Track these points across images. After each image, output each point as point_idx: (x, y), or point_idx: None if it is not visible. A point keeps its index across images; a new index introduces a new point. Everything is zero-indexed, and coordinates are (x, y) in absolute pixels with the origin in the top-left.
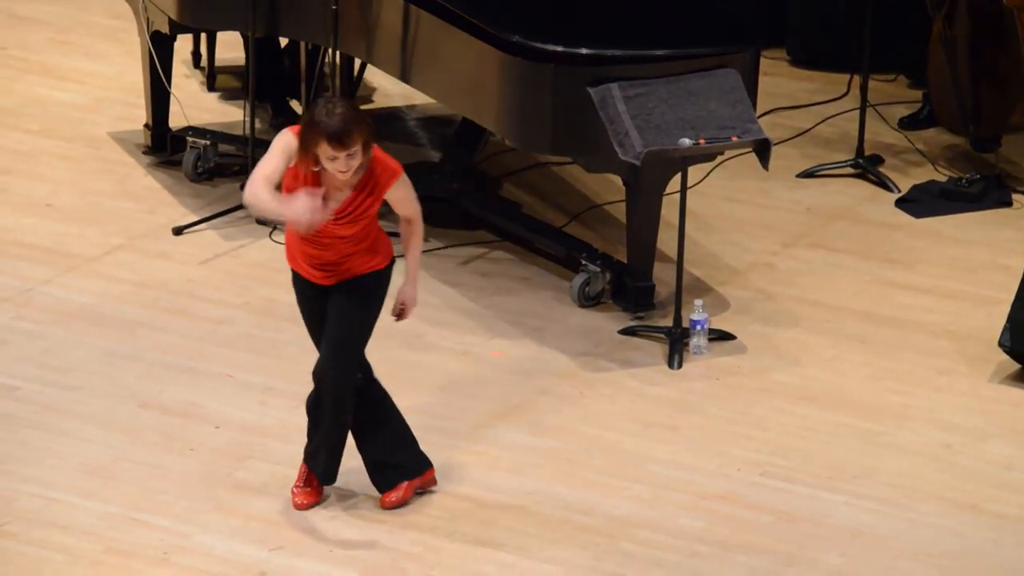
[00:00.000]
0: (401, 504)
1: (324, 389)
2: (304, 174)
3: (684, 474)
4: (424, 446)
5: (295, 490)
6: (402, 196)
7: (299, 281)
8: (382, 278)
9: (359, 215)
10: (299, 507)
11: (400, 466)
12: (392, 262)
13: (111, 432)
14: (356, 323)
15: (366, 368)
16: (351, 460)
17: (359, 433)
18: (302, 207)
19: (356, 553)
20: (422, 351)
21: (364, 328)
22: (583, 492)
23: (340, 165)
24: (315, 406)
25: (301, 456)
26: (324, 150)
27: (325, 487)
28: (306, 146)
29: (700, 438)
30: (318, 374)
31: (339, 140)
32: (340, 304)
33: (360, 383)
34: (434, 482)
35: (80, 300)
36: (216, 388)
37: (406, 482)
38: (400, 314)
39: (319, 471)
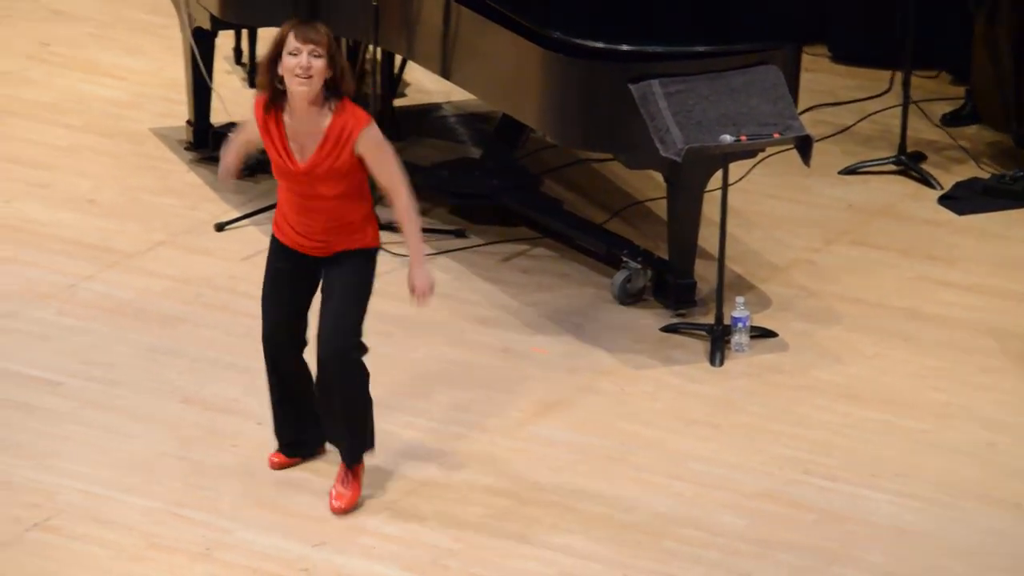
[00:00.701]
0: (350, 508)
1: (329, 365)
2: (272, 126)
3: (726, 472)
4: (465, 442)
5: (334, 493)
6: (374, 152)
7: (275, 246)
8: (372, 256)
9: (333, 168)
10: (337, 511)
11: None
12: (377, 249)
13: (153, 427)
14: (353, 294)
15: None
16: (400, 457)
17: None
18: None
19: (398, 549)
20: (464, 348)
21: (361, 299)
22: (625, 489)
23: (301, 60)
24: (280, 378)
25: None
26: (289, 43)
27: (363, 490)
28: (273, 50)
29: (742, 436)
30: (320, 353)
31: (304, 31)
32: (335, 278)
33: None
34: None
35: (122, 296)
36: (258, 384)
37: (353, 484)
38: (418, 297)
39: (347, 449)
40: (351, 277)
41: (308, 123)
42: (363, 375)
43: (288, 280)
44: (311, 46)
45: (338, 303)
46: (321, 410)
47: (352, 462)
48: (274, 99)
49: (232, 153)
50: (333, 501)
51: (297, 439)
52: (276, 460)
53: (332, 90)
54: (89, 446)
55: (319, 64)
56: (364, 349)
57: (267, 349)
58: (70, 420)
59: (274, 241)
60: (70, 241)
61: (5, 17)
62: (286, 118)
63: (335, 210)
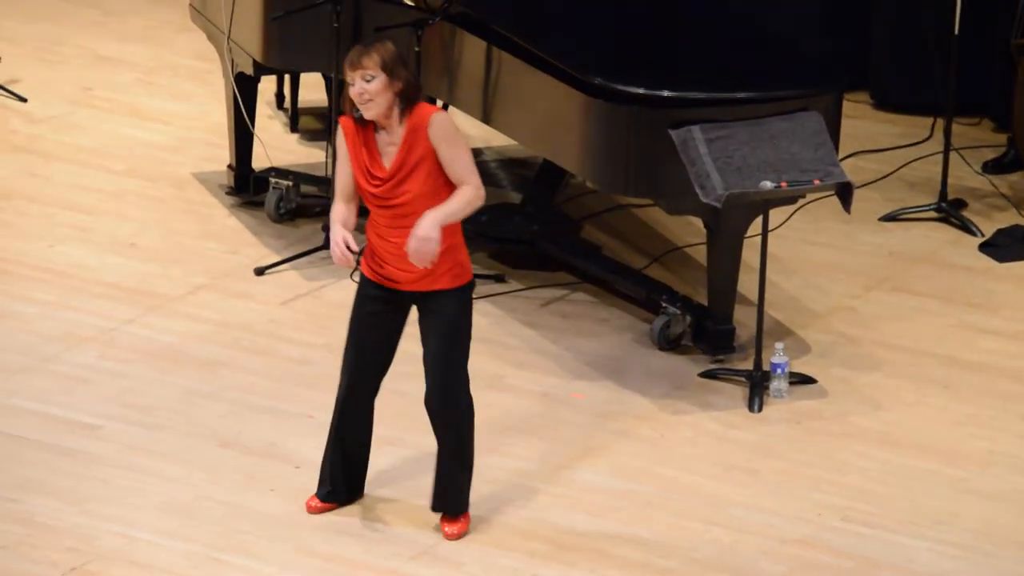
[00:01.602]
0: (460, 536)
1: (439, 417)
2: (363, 140)
3: (764, 518)
4: (503, 487)
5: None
6: (443, 139)
7: (364, 287)
8: (467, 292)
9: (414, 165)
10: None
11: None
12: (472, 282)
13: (192, 471)
14: (453, 340)
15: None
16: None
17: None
18: (333, 242)
19: None
20: (502, 392)
21: (463, 342)
22: (662, 535)
23: (356, 89)
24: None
25: (380, 495)
26: (346, 75)
27: (401, 533)
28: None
29: (781, 482)
30: (429, 405)
31: (351, 60)
32: (433, 325)
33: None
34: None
35: (163, 339)
36: (297, 428)
37: (463, 519)
38: (412, 243)
39: (454, 498)
40: (449, 321)
41: (393, 134)
42: (470, 422)
43: (376, 324)
44: (360, 71)
45: (440, 354)
46: (438, 461)
47: (458, 511)
48: (361, 120)
49: (339, 234)
50: (445, 528)
51: (340, 487)
52: (315, 505)
53: (405, 100)
54: (128, 490)
55: (374, 86)
56: (469, 396)
57: (343, 396)
58: (109, 463)
59: (363, 281)
60: (112, 285)
61: (51, 62)
62: (377, 135)
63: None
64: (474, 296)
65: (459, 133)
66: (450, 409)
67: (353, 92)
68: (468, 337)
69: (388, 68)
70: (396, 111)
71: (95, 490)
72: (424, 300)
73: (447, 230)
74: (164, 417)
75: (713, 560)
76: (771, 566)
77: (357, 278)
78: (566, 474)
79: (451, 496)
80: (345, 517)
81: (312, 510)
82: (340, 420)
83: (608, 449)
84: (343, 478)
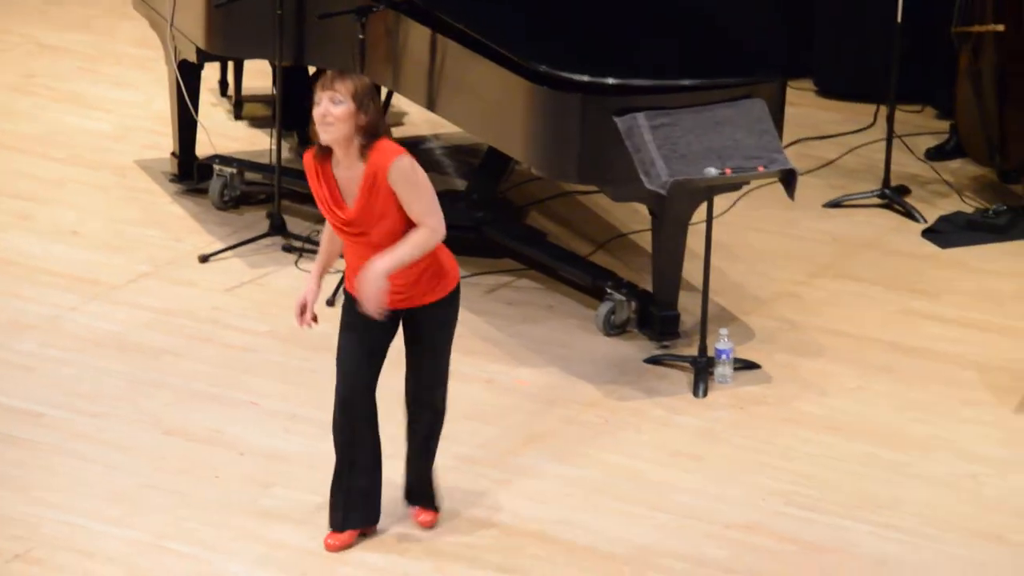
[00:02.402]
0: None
1: (423, 417)
2: (323, 177)
3: (709, 503)
4: (449, 474)
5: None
6: (401, 184)
7: (349, 303)
8: (452, 303)
9: (377, 210)
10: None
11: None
12: (458, 285)
13: (136, 459)
14: (440, 349)
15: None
16: (383, 487)
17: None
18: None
19: None
20: (448, 379)
21: (448, 350)
22: (608, 520)
23: (321, 109)
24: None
25: (326, 482)
26: (315, 95)
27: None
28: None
29: (725, 467)
30: (412, 405)
31: (323, 81)
32: (419, 334)
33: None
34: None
35: (106, 327)
36: (241, 415)
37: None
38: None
39: (434, 493)
40: (436, 330)
41: (351, 169)
42: (442, 424)
43: (365, 338)
44: (330, 92)
45: (428, 363)
46: (410, 463)
47: (434, 502)
48: (321, 151)
49: (302, 297)
50: (421, 516)
51: (355, 514)
52: (335, 543)
53: (367, 135)
54: (72, 477)
55: (339, 110)
56: (446, 397)
57: (343, 414)
58: (53, 451)
59: (347, 297)
60: (55, 273)
61: None
62: (334, 168)
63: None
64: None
65: (419, 175)
66: (433, 410)
67: (317, 112)
68: (452, 337)
69: (358, 99)
70: (356, 143)
71: (39, 478)
72: (408, 313)
73: (422, 256)
74: (108, 405)
75: (658, 545)
76: (716, 551)
77: (303, 266)
78: (511, 460)
79: (427, 489)
80: (288, 504)
81: (333, 548)
82: (346, 442)
83: (553, 435)
84: (359, 504)
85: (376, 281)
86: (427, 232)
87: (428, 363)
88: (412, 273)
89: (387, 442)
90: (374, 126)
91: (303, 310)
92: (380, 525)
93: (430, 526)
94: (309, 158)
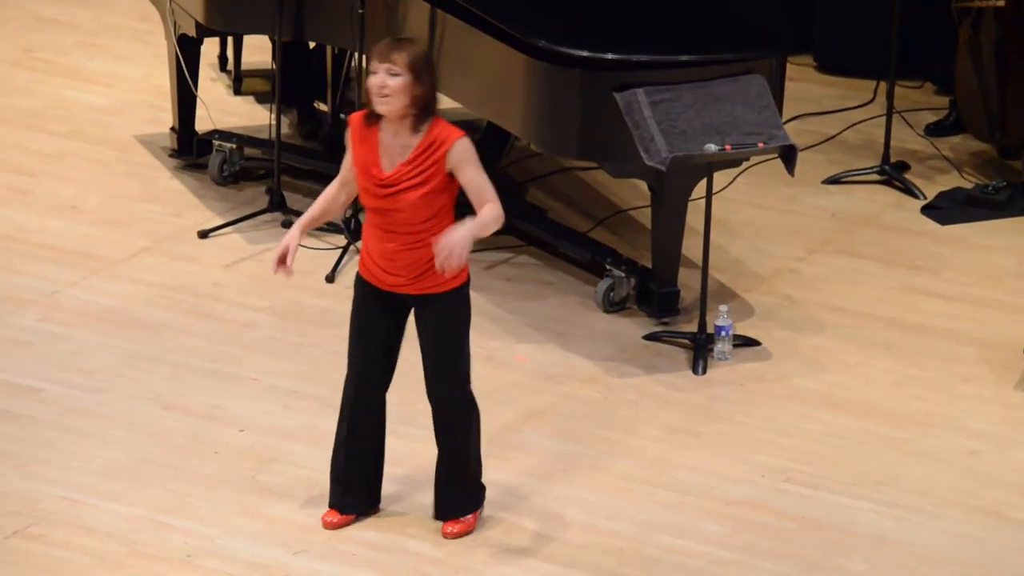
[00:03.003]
0: (462, 534)
1: (440, 417)
2: (368, 138)
3: (708, 480)
4: None
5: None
6: (465, 165)
7: (360, 286)
8: (462, 293)
9: (418, 179)
10: (328, 525)
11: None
12: (465, 285)
13: (135, 435)
14: (451, 342)
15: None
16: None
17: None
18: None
19: (379, 557)
20: None
21: (462, 343)
22: (607, 497)
23: (378, 80)
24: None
25: (325, 458)
26: (371, 64)
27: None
28: (364, 75)
29: (724, 444)
30: (432, 406)
31: (380, 51)
32: (429, 326)
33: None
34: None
35: (105, 303)
36: (240, 391)
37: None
38: (441, 252)
39: (456, 501)
40: (446, 323)
41: (401, 138)
42: (472, 425)
43: (375, 322)
44: (388, 64)
45: (438, 355)
46: (437, 464)
47: (458, 514)
48: (370, 116)
49: (286, 240)
50: (446, 527)
51: (359, 496)
52: (332, 520)
53: (423, 109)
54: (70, 453)
55: (396, 83)
56: (472, 399)
57: (351, 395)
58: (52, 427)
59: (358, 281)
60: (53, 248)
61: None
62: (381, 133)
63: (417, 235)
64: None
65: (477, 157)
66: (440, 412)
67: (373, 82)
68: (466, 337)
69: (416, 70)
70: (410, 115)
71: (37, 453)
72: (419, 303)
73: (440, 222)
74: (106, 380)
75: (657, 522)
76: (714, 527)
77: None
78: (511, 437)
79: (442, 501)
80: (288, 480)
81: (329, 526)
82: (351, 422)
83: (552, 412)
84: (361, 484)
85: (463, 243)
86: (497, 208)
87: (432, 363)
88: (420, 261)
89: (389, 420)
90: (429, 98)
91: (283, 259)
92: (377, 506)
93: (452, 536)
94: (356, 119)
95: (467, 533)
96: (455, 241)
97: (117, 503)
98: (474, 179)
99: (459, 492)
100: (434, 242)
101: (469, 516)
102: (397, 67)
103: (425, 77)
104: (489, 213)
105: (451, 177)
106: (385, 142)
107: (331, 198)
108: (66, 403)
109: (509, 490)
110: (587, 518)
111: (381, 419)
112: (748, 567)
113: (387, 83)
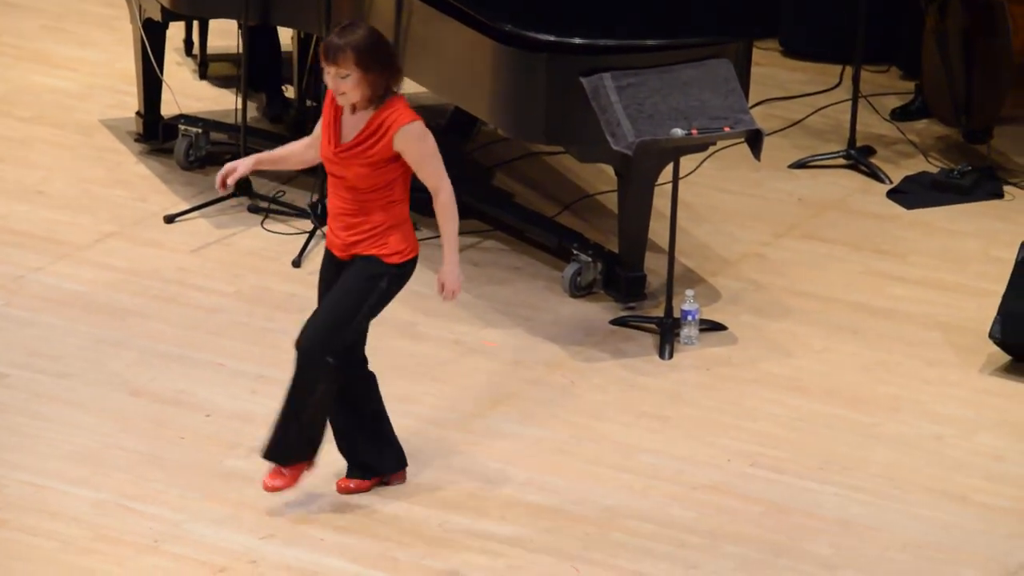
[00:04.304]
0: (355, 492)
1: (297, 363)
2: (334, 111)
3: (674, 464)
4: (415, 435)
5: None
6: (414, 152)
7: (327, 251)
8: (386, 268)
9: (365, 155)
10: (265, 488)
11: (370, 466)
12: (407, 263)
13: (102, 420)
14: (343, 300)
15: (356, 364)
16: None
17: (336, 428)
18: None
19: (347, 541)
20: (414, 340)
21: (349, 309)
22: (574, 481)
23: (330, 82)
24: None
25: None
26: (322, 63)
27: (305, 475)
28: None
29: (691, 428)
30: (297, 350)
31: (325, 54)
32: (338, 284)
33: (335, 373)
34: (402, 480)
35: (71, 288)
36: (207, 376)
37: (372, 479)
38: (446, 295)
39: (267, 444)
40: (347, 283)
41: (360, 117)
42: (313, 388)
43: (327, 283)
44: (334, 69)
45: (322, 308)
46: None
47: (282, 459)
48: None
49: (241, 161)
50: (267, 479)
51: (363, 460)
52: (343, 485)
53: (379, 89)
54: (37, 438)
55: (347, 83)
56: (331, 365)
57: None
58: (17, 412)
59: (325, 253)
60: (19, 232)
61: None
62: (346, 109)
63: (359, 203)
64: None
65: (429, 141)
66: (300, 351)
67: (327, 81)
68: (363, 306)
69: (363, 64)
70: (370, 98)
71: (3, 438)
72: (347, 264)
73: (386, 211)
74: (73, 365)
75: (624, 506)
76: (681, 512)
77: (269, 227)
78: (477, 421)
79: (276, 443)
80: (254, 465)
81: (342, 490)
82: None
83: (519, 396)
84: (361, 450)
85: (453, 277)
86: (446, 198)
87: (326, 303)
88: (356, 219)
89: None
90: (386, 78)
91: (224, 181)
92: (342, 493)
93: (269, 489)
94: (330, 96)
95: (286, 488)
96: (446, 280)
97: (83, 488)
98: (421, 165)
99: (282, 436)
100: (373, 218)
101: (294, 469)
102: (344, 69)
103: (374, 65)
104: (445, 214)
105: (400, 156)
106: (348, 117)
107: (296, 150)
108: (32, 388)
109: (476, 474)
110: (554, 502)
111: (366, 390)
112: (714, 551)
113: (339, 85)
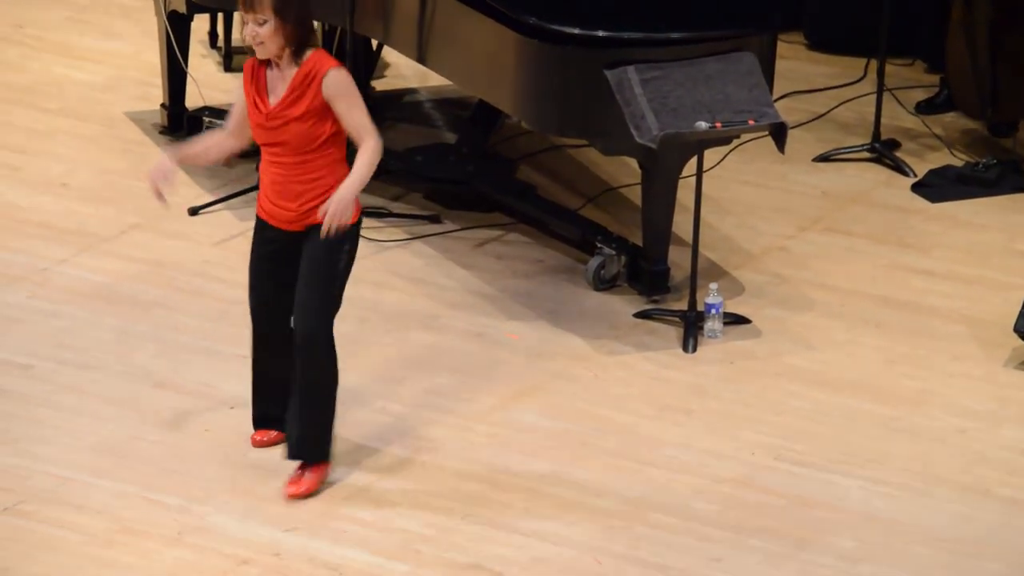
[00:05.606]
0: (306, 495)
1: (297, 352)
2: (258, 76)
3: (698, 457)
4: (438, 427)
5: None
6: (340, 94)
7: (257, 225)
8: (348, 231)
9: (296, 108)
10: (289, 496)
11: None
12: (359, 220)
13: (126, 412)
14: (318, 272)
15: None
16: (373, 442)
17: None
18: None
19: (369, 534)
20: (437, 332)
21: (329, 281)
22: (597, 474)
23: (249, 31)
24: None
25: None
26: (242, 14)
27: (335, 475)
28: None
29: (714, 422)
30: (297, 337)
31: (244, 2)
32: (304, 256)
33: (334, 350)
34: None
35: (95, 279)
36: (231, 369)
37: (311, 474)
38: (327, 217)
39: (291, 441)
40: (316, 254)
41: (284, 72)
42: (326, 365)
43: (269, 258)
44: (252, 14)
45: (302, 285)
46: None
47: (296, 456)
48: (260, 59)
49: (166, 162)
50: (288, 486)
51: (273, 414)
52: (257, 437)
53: (299, 43)
54: (61, 430)
55: (265, 30)
56: (328, 337)
57: (253, 323)
58: (42, 404)
59: (256, 221)
60: (43, 224)
61: None
62: (269, 72)
63: (304, 168)
64: (408, 237)
65: (354, 88)
66: (308, 348)
67: (246, 32)
68: (339, 274)
69: (280, 11)
70: (288, 51)
71: (27, 430)
72: (304, 237)
73: (329, 167)
74: (97, 357)
75: (647, 499)
76: (704, 505)
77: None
78: (500, 414)
79: (297, 442)
80: (277, 458)
81: (257, 443)
82: (256, 345)
83: (542, 389)
84: (271, 404)
85: (345, 202)
86: (372, 147)
87: (306, 283)
88: (303, 184)
89: (371, 400)
90: (302, 32)
91: (156, 186)
92: (366, 481)
93: (294, 496)
94: (250, 63)
95: (309, 492)
96: (336, 201)
97: (108, 480)
98: (347, 112)
99: (304, 431)
100: (322, 181)
101: (314, 468)
102: (262, 15)
103: (290, 14)
104: (366, 159)
105: (329, 104)
106: (271, 77)
107: (215, 141)
108: (57, 380)
109: (499, 468)
110: (576, 495)
111: (288, 353)
112: (737, 545)
113: (257, 32)
